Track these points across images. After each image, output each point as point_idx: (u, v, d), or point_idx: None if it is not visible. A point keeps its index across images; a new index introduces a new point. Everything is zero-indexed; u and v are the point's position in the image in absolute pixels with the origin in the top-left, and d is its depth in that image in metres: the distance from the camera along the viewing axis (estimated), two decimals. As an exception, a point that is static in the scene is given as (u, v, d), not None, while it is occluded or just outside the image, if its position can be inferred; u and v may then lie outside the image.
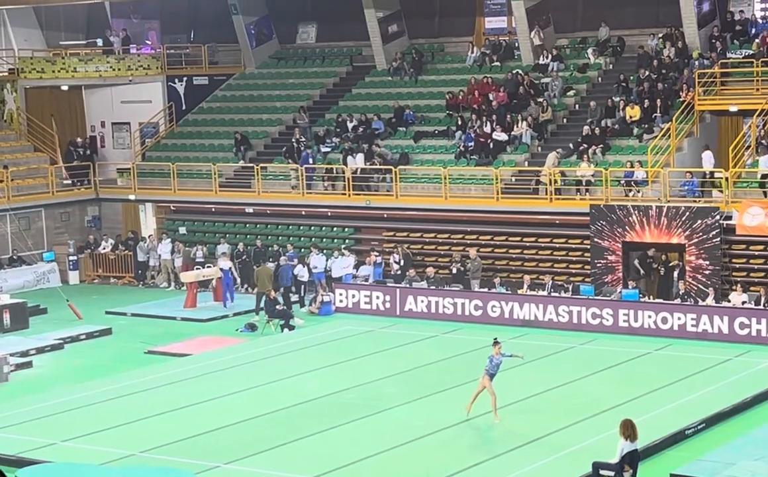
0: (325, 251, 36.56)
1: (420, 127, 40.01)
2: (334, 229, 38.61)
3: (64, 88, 45.62)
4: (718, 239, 30.79)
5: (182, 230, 41.08)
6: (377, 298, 33.56)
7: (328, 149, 40.13)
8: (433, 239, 36.51)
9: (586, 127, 35.95)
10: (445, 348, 29.04)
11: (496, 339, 22.87)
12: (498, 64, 41.69)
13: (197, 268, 37.27)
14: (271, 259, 36.34)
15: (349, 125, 40.79)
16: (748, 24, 37.63)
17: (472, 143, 37.40)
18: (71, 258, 40.75)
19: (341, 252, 36.04)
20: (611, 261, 32.32)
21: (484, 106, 38.82)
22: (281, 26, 48.20)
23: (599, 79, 39.43)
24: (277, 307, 32.32)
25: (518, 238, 35.04)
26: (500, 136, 37.27)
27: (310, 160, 39.07)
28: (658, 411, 22.74)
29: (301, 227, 39.27)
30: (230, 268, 35.79)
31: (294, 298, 35.22)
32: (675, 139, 33.97)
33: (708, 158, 33.34)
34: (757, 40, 36.49)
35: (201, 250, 38.76)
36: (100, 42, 47.69)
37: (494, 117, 37.85)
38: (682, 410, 22.73)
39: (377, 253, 35.77)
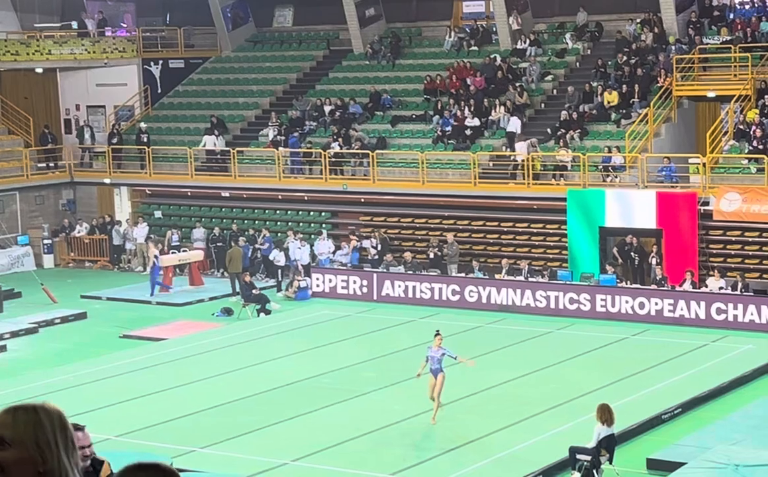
0: (301, 235, 36.42)
1: (397, 111, 39.86)
2: (311, 213, 38.46)
3: (39, 70, 45.22)
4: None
5: (158, 214, 40.84)
6: (354, 282, 33.44)
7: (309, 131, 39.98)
8: (411, 224, 36.41)
9: (564, 112, 35.90)
10: (422, 333, 28.90)
11: (438, 331, 21.82)
12: (476, 48, 41.57)
13: (173, 252, 37.09)
14: (247, 243, 36.20)
15: (326, 109, 40.62)
16: (726, 9, 37.66)
17: (450, 128, 37.30)
18: (46, 241, 40.47)
19: (299, 237, 35.87)
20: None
21: (462, 90, 38.71)
22: (258, 9, 47.93)
23: (577, 64, 39.38)
24: (253, 291, 32.17)
25: (496, 223, 34.98)
26: (473, 122, 37.16)
27: (300, 144, 38.88)
28: (635, 396, 22.75)
29: (278, 211, 39.10)
30: (156, 255, 35.60)
31: (271, 282, 35.13)
32: (653, 124, 33.97)
33: (523, 148, 34.05)
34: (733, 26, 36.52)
35: (176, 234, 38.57)
36: (75, 24, 47.24)
37: (472, 102, 37.75)
38: (659, 395, 22.76)
39: (356, 238, 35.68)
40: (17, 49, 44.07)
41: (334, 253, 35.52)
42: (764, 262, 30.82)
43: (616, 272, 31.21)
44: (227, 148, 40.28)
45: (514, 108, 37.04)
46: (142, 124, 42.28)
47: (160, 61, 45.94)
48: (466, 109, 37.65)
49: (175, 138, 42.75)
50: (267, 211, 39.29)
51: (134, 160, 42.08)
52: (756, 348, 26.25)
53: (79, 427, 4.62)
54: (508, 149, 35.29)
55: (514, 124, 36.29)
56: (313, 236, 36.68)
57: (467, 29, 42.75)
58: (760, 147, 31.78)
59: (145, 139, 41.68)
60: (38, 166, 42.37)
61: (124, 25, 47.90)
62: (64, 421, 3.47)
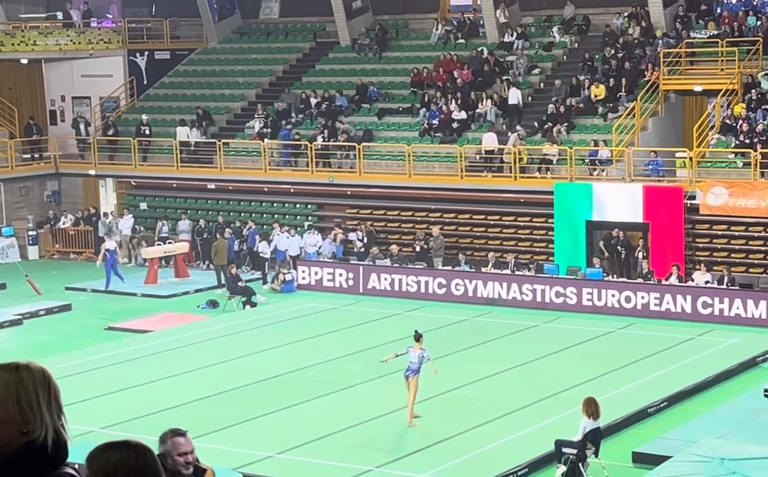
0: (286, 228, 36.31)
1: (384, 104, 39.77)
2: (297, 205, 38.36)
3: (24, 61, 44.99)
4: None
5: (143, 206, 40.69)
6: (340, 275, 33.36)
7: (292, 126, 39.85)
8: (397, 217, 36.34)
9: (551, 106, 35.85)
10: (408, 326, 28.80)
11: (420, 335, 21.28)
12: (463, 41, 41.50)
13: (158, 244, 36.99)
14: (233, 235, 36.13)
15: (313, 102, 40.49)
16: (713, 4, 37.64)
17: (437, 121, 37.23)
18: (30, 233, 40.30)
19: (291, 230, 35.73)
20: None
21: (449, 83, 38.64)
22: (244, 1, 47.75)
23: (564, 57, 39.33)
24: (239, 283, 32.06)
25: (482, 217, 34.93)
26: (460, 115, 37.12)
27: (292, 137, 38.72)
28: (621, 389, 22.74)
29: (264, 204, 38.98)
30: (115, 248, 35.42)
31: (257, 274, 35.06)
32: (639, 118, 33.95)
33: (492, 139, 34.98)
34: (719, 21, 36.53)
35: (167, 225, 38.47)
36: (60, 15, 47.00)
37: (459, 95, 37.68)
38: (645, 389, 22.74)
39: (341, 230, 35.60)
40: (2, 39, 43.82)
41: (321, 247, 35.41)
42: (750, 256, 30.85)
43: (602, 266, 31.19)
44: (202, 140, 40.17)
45: (500, 101, 36.97)
46: (144, 117, 41.97)
47: (146, 53, 45.76)
48: (453, 102, 37.58)
49: (161, 129, 42.59)
50: (253, 204, 39.17)
51: (130, 152, 41.74)
52: (742, 342, 26.26)
53: (180, 433, 4.45)
54: (513, 123, 35.53)
55: (515, 95, 36.50)
56: (299, 229, 36.57)
57: (454, 22, 42.67)
58: (747, 141, 31.80)
59: (147, 132, 41.34)
60: (23, 157, 42.19)
61: (110, 16, 47.69)
62: (49, 380, 3.41)
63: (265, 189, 38.58)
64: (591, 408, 18.11)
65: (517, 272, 31.57)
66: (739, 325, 27.81)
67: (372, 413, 21.44)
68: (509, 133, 35.21)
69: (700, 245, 31.38)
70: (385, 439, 20.15)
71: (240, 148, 40.10)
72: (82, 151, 43.05)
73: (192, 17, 47.08)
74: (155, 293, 33.81)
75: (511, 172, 34.16)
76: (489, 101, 37.16)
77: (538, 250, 33.73)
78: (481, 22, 41.54)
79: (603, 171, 33.16)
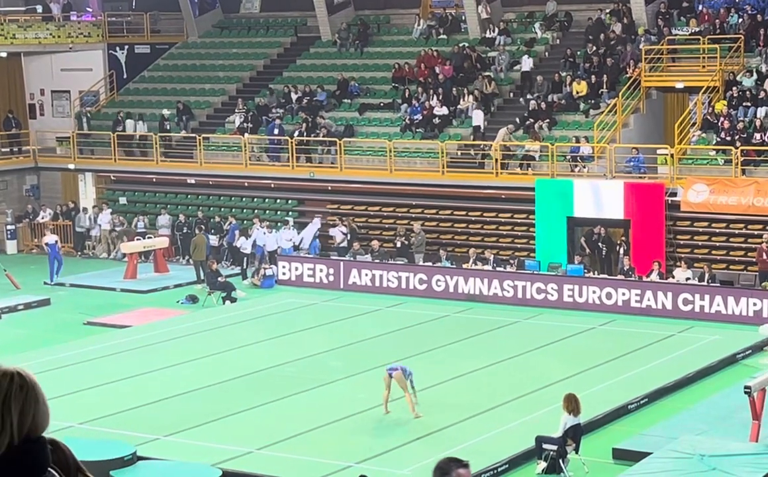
0: (266, 223, 36.17)
1: (365, 99, 39.65)
2: (278, 201, 38.23)
3: (3, 55, 44.65)
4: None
5: (122, 200, 40.49)
6: (321, 271, 33.25)
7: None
8: (378, 212, 36.25)
9: (532, 102, 35.81)
10: (389, 322, 28.82)
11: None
12: (444, 37, 41.42)
13: (138, 239, 36.81)
14: (212, 231, 35.95)
15: (294, 97, 40.34)
16: (695, 1, 37.65)
17: (418, 116, 37.15)
18: (9, 227, 40.06)
19: (265, 224, 35.56)
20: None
21: (430, 79, 38.56)
22: (225, -5, 47.62)
23: (546, 53, 39.29)
24: (219, 278, 31.92)
25: (463, 213, 34.86)
26: (441, 110, 37.04)
27: (276, 131, 38.53)
28: (602, 386, 22.73)
29: (244, 199, 38.85)
30: (56, 241, 35.19)
31: (236, 270, 34.93)
32: (621, 115, 33.95)
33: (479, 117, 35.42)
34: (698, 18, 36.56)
35: (143, 221, 38.28)
36: (39, 8, 46.69)
37: (440, 90, 37.61)
38: (625, 385, 22.74)
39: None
40: (-19, 32, 43.55)
41: (298, 245, 35.27)
42: (731, 253, 30.90)
43: (583, 262, 31.18)
44: (147, 134, 40.01)
45: (481, 97, 36.91)
46: (165, 111, 41.53)
47: (126, 47, 45.54)
48: (435, 97, 37.50)
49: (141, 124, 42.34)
50: (233, 199, 39.03)
51: (97, 145, 41.52)
52: (722, 338, 26.28)
53: (463, 464, 4.08)
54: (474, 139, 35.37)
55: (528, 63, 37.12)
56: (279, 225, 36.44)
57: (437, 17, 42.58)
58: (728, 138, 31.82)
59: (168, 127, 40.93)
60: (2, 151, 41.93)
61: (90, 10, 47.42)
62: (27, 388, 3.23)
63: (246, 184, 38.43)
64: (571, 404, 18.10)
65: (498, 268, 31.53)
66: (720, 321, 27.82)
67: (352, 409, 21.35)
68: (499, 129, 35.09)
69: (681, 242, 31.40)
70: (365, 435, 20.08)
71: (220, 143, 39.93)
72: (90, 146, 42.39)
73: (172, 11, 46.87)
74: (134, 288, 33.64)
75: (492, 169, 34.11)
76: (470, 97, 37.08)
77: (519, 246, 33.69)
78: (463, 17, 41.48)
79: (584, 167, 33.14)
